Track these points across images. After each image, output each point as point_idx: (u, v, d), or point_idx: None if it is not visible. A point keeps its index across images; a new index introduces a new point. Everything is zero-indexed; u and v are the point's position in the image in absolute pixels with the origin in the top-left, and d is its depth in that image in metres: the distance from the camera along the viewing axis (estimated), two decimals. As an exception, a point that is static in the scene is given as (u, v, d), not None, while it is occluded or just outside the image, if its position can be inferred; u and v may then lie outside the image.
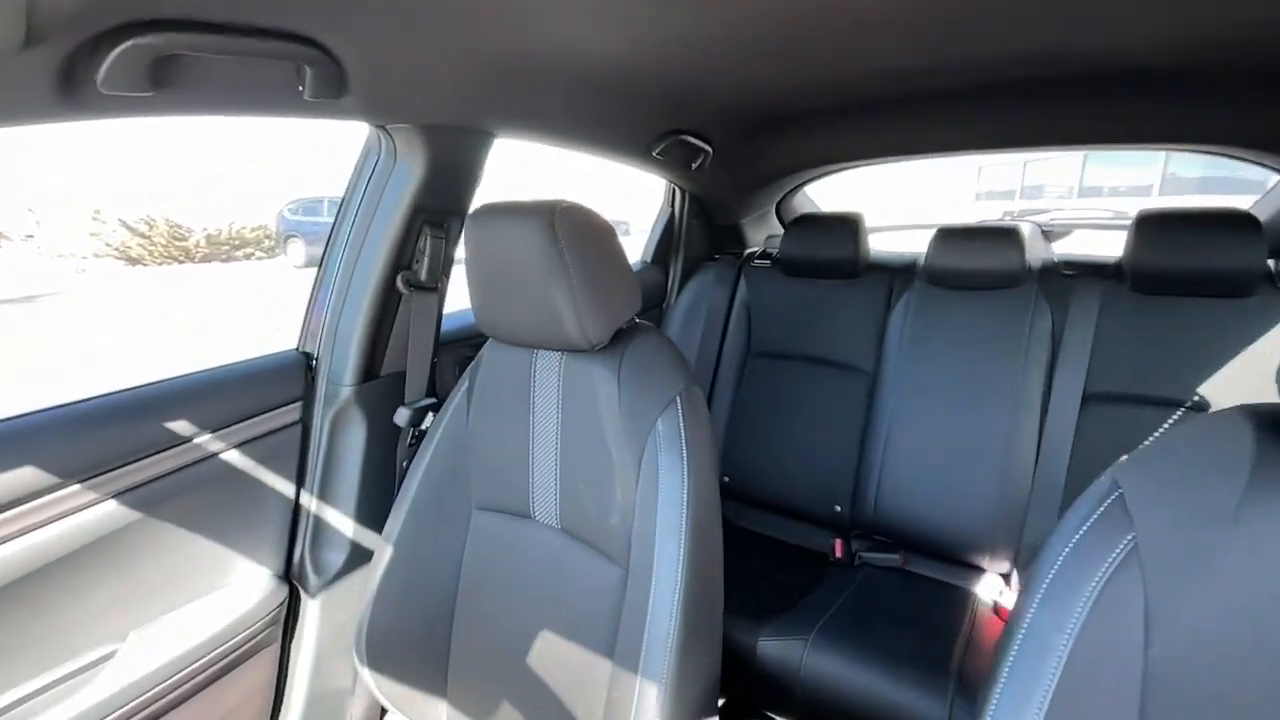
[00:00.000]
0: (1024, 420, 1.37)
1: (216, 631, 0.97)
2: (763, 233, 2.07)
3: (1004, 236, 1.45)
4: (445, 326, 1.23)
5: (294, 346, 1.15)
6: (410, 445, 1.16)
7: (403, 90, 0.91)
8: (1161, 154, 6.20)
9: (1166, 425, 1.24)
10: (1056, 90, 1.24)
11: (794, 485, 1.62)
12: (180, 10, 0.62)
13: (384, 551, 0.95)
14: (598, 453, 0.84)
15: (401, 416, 1.13)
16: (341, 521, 1.12)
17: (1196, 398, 1.23)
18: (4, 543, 0.76)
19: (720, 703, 0.85)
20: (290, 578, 1.11)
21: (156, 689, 0.90)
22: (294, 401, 1.08)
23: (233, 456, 1.00)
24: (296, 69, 0.77)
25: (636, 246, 1.92)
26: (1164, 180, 6.24)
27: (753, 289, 1.79)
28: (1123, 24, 0.93)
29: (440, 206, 1.10)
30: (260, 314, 7.38)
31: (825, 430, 1.60)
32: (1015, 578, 1.36)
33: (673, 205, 1.88)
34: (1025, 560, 1.34)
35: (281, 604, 1.07)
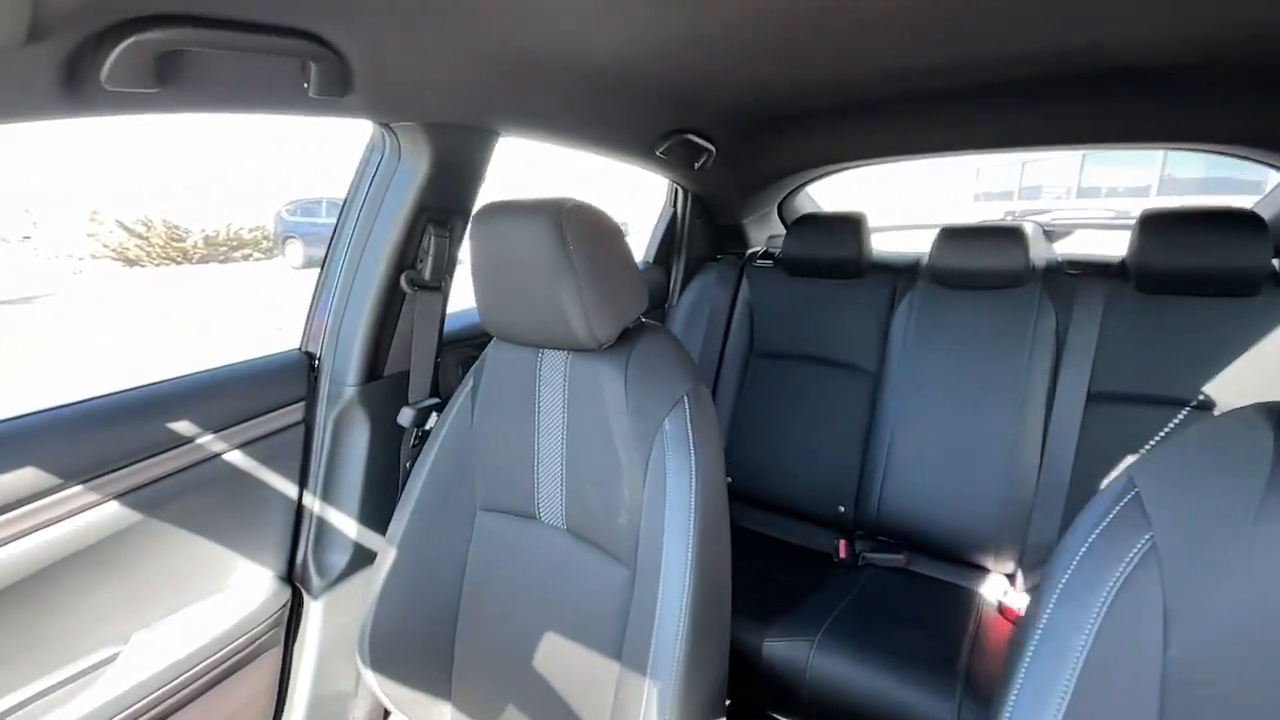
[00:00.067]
0: (1028, 420, 1.37)
1: (219, 634, 0.96)
2: (765, 233, 2.07)
3: (1008, 236, 1.44)
4: (448, 326, 1.23)
5: (296, 346, 1.14)
6: (414, 446, 1.15)
7: (408, 88, 0.91)
8: (1159, 154, 6.22)
9: (1172, 425, 1.24)
10: (1057, 90, 1.24)
11: (797, 486, 1.61)
12: (185, 6, 0.61)
13: (387, 553, 0.94)
14: (604, 453, 0.83)
15: (405, 417, 1.12)
16: (344, 523, 1.11)
17: (1201, 397, 1.22)
18: (6, 544, 0.75)
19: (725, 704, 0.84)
20: (293, 579, 1.10)
21: (158, 692, 0.89)
22: (297, 402, 1.08)
23: (235, 457, 0.99)
24: (301, 66, 0.76)
25: (637, 246, 1.92)
26: (1162, 181, 6.26)
27: (755, 289, 1.79)
28: (1123, 24, 0.93)
29: (444, 205, 1.10)
30: (259, 315, 7.35)
31: (828, 430, 1.60)
32: (1020, 578, 1.36)
33: (675, 205, 1.87)
34: (1030, 560, 1.34)
35: (284, 606, 1.06)
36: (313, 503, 1.10)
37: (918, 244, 1.80)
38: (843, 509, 1.54)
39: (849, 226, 1.62)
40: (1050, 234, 1.92)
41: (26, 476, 0.77)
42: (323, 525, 1.11)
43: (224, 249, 12.38)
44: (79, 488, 0.81)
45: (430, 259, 1.10)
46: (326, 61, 0.76)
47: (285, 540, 1.09)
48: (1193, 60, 1.06)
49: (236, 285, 9.72)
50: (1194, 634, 0.45)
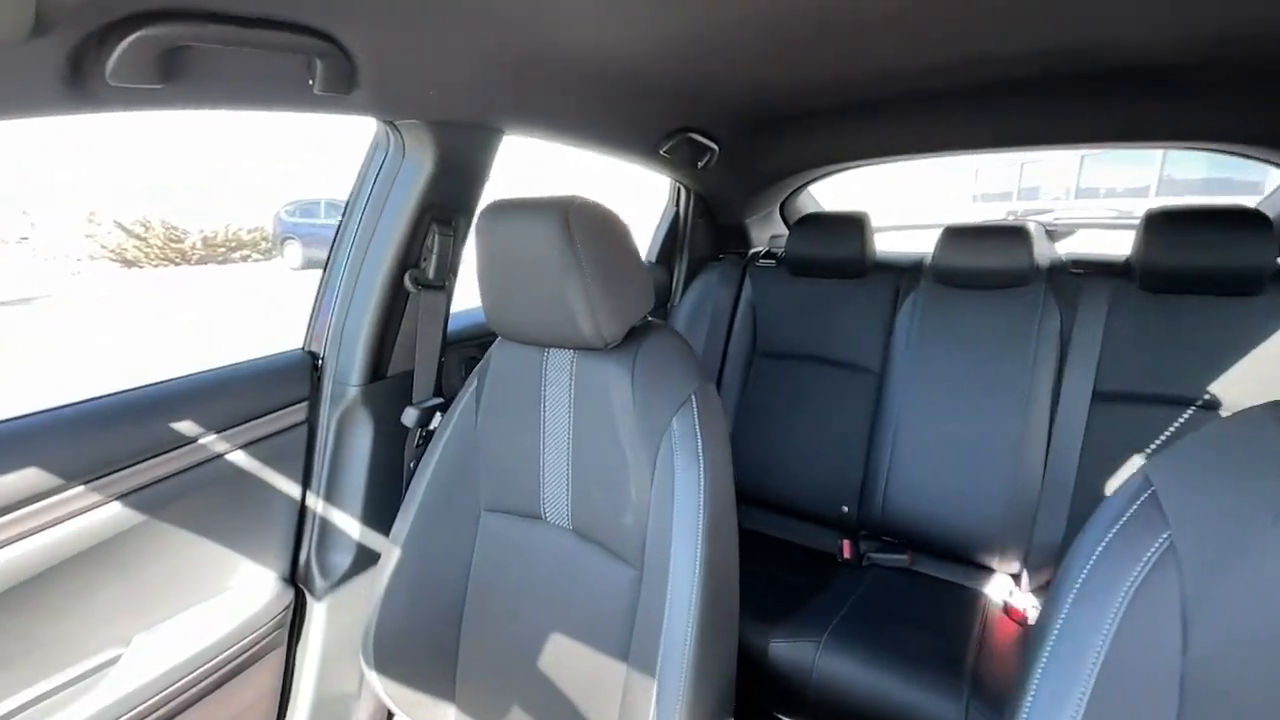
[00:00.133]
0: (1033, 420, 1.36)
1: (222, 636, 0.96)
2: (767, 232, 2.07)
3: (1012, 235, 1.44)
4: (450, 326, 1.22)
5: (299, 346, 1.14)
6: (418, 446, 1.15)
7: (413, 85, 0.90)
8: (1158, 155, 6.24)
9: (1177, 424, 1.24)
10: (1058, 89, 1.24)
11: (801, 486, 1.61)
12: (191, 1, 0.61)
13: (391, 553, 0.94)
14: (611, 452, 0.83)
15: (409, 417, 1.11)
16: (348, 523, 1.11)
17: (1207, 396, 1.22)
18: (8, 545, 0.75)
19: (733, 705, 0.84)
20: (296, 580, 1.10)
21: (161, 694, 0.88)
22: (300, 402, 1.07)
23: (238, 457, 0.98)
24: (307, 62, 0.76)
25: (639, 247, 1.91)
26: (1161, 182, 6.28)
27: (758, 289, 1.78)
28: (1123, 23, 0.93)
29: (449, 204, 1.09)
30: (257, 316, 7.35)
31: (832, 430, 1.59)
32: (1026, 578, 1.35)
33: (678, 204, 1.87)
34: (1036, 560, 1.33)
35: (287, 607, 1.05)
36: (316, 503, 1.10)
37: (917, 244, 1.80)
38: (846, 509, 1.54)
39: (852, 226, 1.61)
40: (1052, 234, 1.92)
41: (29, 477, 0.76)
42: (326, 526, 1.10)
43: (222, 250, 12.37)
44: (81, 488, 0.81)
45: (434, 258, 1.10)
46: (332, 58, 0.75)
47: (288, 541, 1.08)
48: (1193, 59, 1.06)
49: (235, 286, 9.71)
50: (1213, 634, 0.45)
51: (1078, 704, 0.47)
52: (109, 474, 0.83)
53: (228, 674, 0.97)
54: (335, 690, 1.11)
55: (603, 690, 0.83)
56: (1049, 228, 1.89)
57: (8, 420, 0.78)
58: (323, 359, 1.10)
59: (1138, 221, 1.36)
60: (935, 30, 0.96)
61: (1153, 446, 1.25)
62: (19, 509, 0.75)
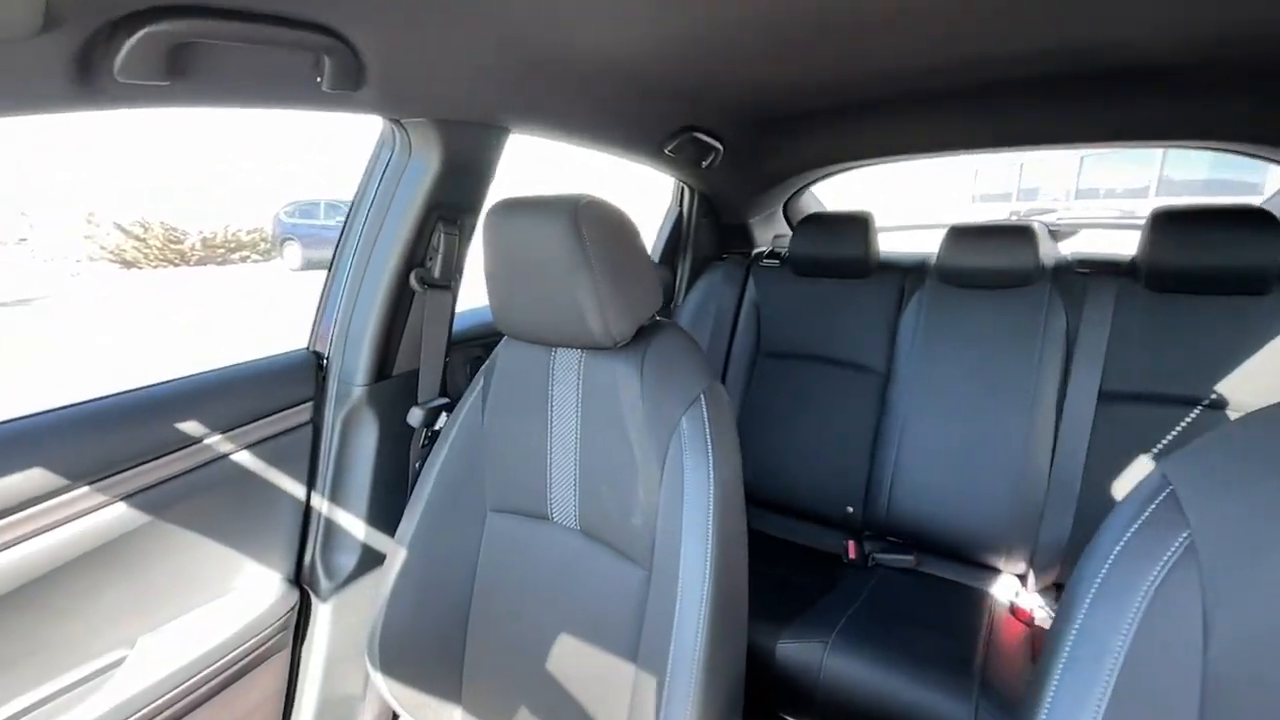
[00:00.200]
0: (1039, 419, 1.36)
1: (227, 637, 0.95)
2: (770, 232, 2.06)
3: (1018, 235, 1.44)
4: (455, 325, 1.22)
5: (304, 346, 1.13)
6: (423, 446, 1.14)
7: (420, 83, 0.90)
8: (1157, 156, 6.25)
9: (1184, 424, 1.23)
10: (1063, 88, 1.24)
11: (805, 486, 1.60)
12: None
13: (397, 554, 0.93)
14: (619, 452, 0.82)
15: (415, 417, 1.11)
16: (353, 524, 1.10)
17: (1214, 396, 1.22)
18: (14, 545, 0.74)
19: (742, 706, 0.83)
20: (301, 582, 1.09)
21: (166, 697, 0.88)
22: (305, 402, 1.07)
23: (243, 458, 0.98)
24: (315, 59, 0.75)
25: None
26: (1160, 182, 6.29)
27: (761, 288, 1.78)
28: (1127, 23, 0.94)
29: (454, 203, 1.09)
30: (257, 317, 7.35)
31: (836, 430, 1.59)
32: (1032, 578, 1.35)
33: (681, 204, 1.87)
34: (1042, 561, 1.33)
35: (292, 609, 1.05)
36: (321, 504, 1.09)
37: (916, 244, 1.80)
38: (851, 509, 1.54)
39: (856, 226, 1.61)
40: (1055, 234, 1.92)
41: (34, 477, 0.75)
42: (331, 527, 1.10)
43: (222, 251, 12.36)
44: (86, 488, 0.80)
45: (440, 257, 1.09)
46: (340, 55, 0.75)
47: (293, 542, 1.08)
48: (1194, 59, 1.06)
49: (234, 287, 9.70)
50: (1234, 634, 0.44)
51: (1098, 704, 0.47)
52: (114, 474, 0.83)
53: (233, 676, 0.97)
54: (340, 692, 1.10)
55: (610, 691, 0.82)
56: (1052, 228, 1.90)
57: (12, 420, 0.78)
58: (328, 359, 1.10)
59: (1141, 221, 1.36)
60: (938, 30, 0.96)
61: (1159, 446, 1.24)
62: (25, 509, 0.75)
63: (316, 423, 1.08)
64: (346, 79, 0.78)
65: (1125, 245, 1.53)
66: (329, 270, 1.13)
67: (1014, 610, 1.30)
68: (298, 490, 1.07)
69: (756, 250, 1.98)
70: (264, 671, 1.02)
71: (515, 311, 0.86)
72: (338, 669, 1.10)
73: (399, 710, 0.95)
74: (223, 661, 0.94)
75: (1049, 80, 1.20)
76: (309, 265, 10.54)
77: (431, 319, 1.13)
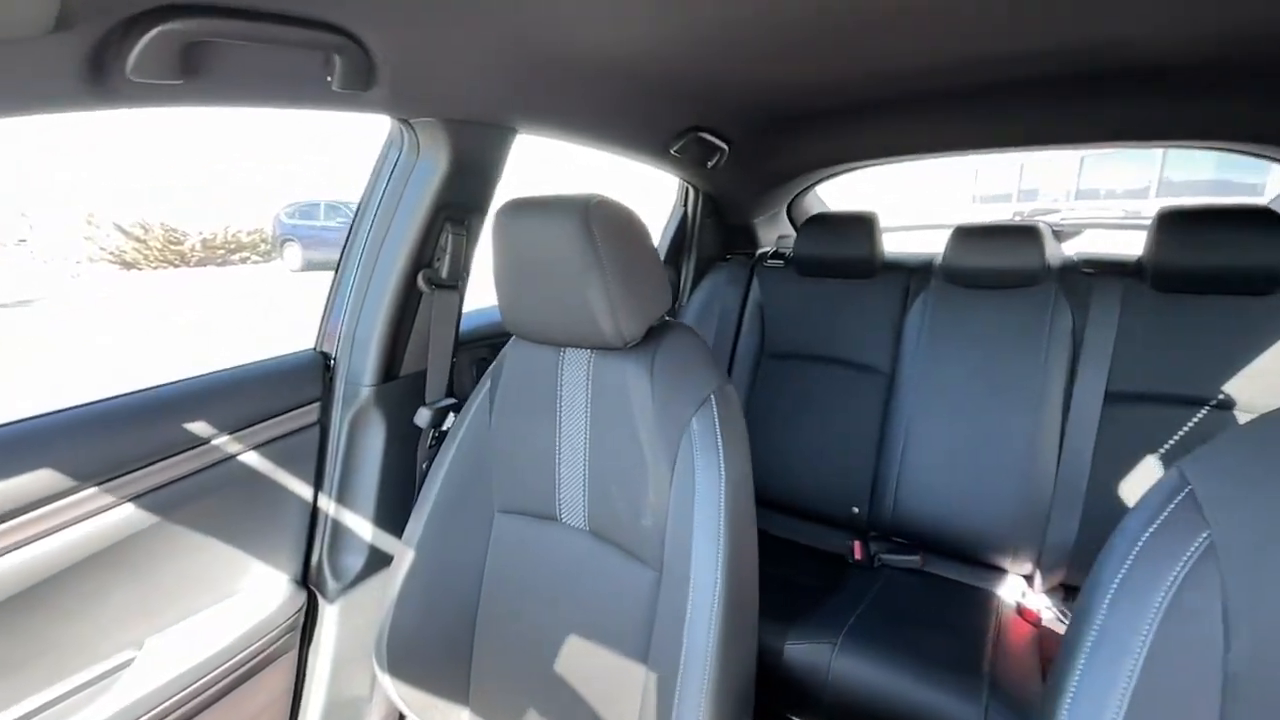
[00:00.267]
0: (1045, 420, 1.36)
1: (234, 639, 0.95)
2: (774, 233, 2.06)
3: (1023, 235, 1.44)
4: (461, 326, 1.21)
5: (311, 346, 1.13)
6: (430, 447, 1.14)
7: (430, 83, 0.90)
8: (1157, 157, 6.26)
9: (1191, 424, 1.23)
10: (1068, 89, 1.23)
11: (810, 487, 1.60)
12: None
13: (405, 555, 0.93)
14: (629, 453, 0.82)
15: (422, 417, 1.11)
16: (360, 525, 1.10)
17: (1221, 396, 1.22)
18: (24, 546, 0.74)
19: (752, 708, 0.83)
20: (308, 583, 1.09)
21: (174, 699, 0.87)
22: (312, 403, 1.06)
23: (250, 458, 0.98)
24: (326, 59, 0.75)
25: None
26: (1160, 183, 6.30)
27: (765, 289, 1.78)
28: (1133, 23, 0.93)
29: (462, 203, 1.08)
30: (256, 317, 7.35)
31: (841, 431, 1.59)
32: (1039, 579, 1.35)
33: (686, 204, 1.87)
34: (1049, 561, 1.33)
35: (300, 610, 1.05)
36: (328, 505, 1.09)
37: (916, 245, 1.80)
38: (856, 510, 1.53)
39: (861, 226, 1.61)
40: (1059, 234, 1.92)
41: (42, 478, 0.75)
42: (338, 528, 1.10)
43: (222, 252, 12.36)
44: (94, 489, 0.80)
45: (448, 257, 1.09)
46: (351, 55, 0.75)
47: (300, 543, 1.07)
48: (1197, 58, 1.06)
49: (234, 288, 9.70)
50: (1256, 633, 0.44)
51: (1117, 706, 0.46)
52: (121, 475, 0.83)
53: (240, 677, 0.96)
54: (347, 693, 1.10)
55: (620, 692, 0.82)
56: (1055, 228, 1.90)
57: (20, 421, 0.78)
58: (335, 359, 1.10)
59: (1144, 222, 1.36)
60: (944, 30, 0.97)
61: (1166, 446, 1.24)
62: (34, 509, 0.75)
63: (324, 423, 1.08)
64: (357, 79, 0.78)
65: (1126, 246, 1.53)
66: (336, 271, 1.13)
67: (1021, 611, 1.30)
68: (305, 491, 1.06)
69: (761, 250, 1.98)
70: (271, 673, 1.02)
71: (524, 312, 0.86)
72: (345, 670, 1.09)
73: (406, 711, 0.94)
74: (230, 663, 0.94)
75: (1053, 81, 1.20)
76: (309, 266, 10.54)
77: (439, 319, 1.13)
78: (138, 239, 11.62)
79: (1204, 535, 0.47)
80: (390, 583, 0.93)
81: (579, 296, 0.77)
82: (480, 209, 1.13)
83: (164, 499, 0.88)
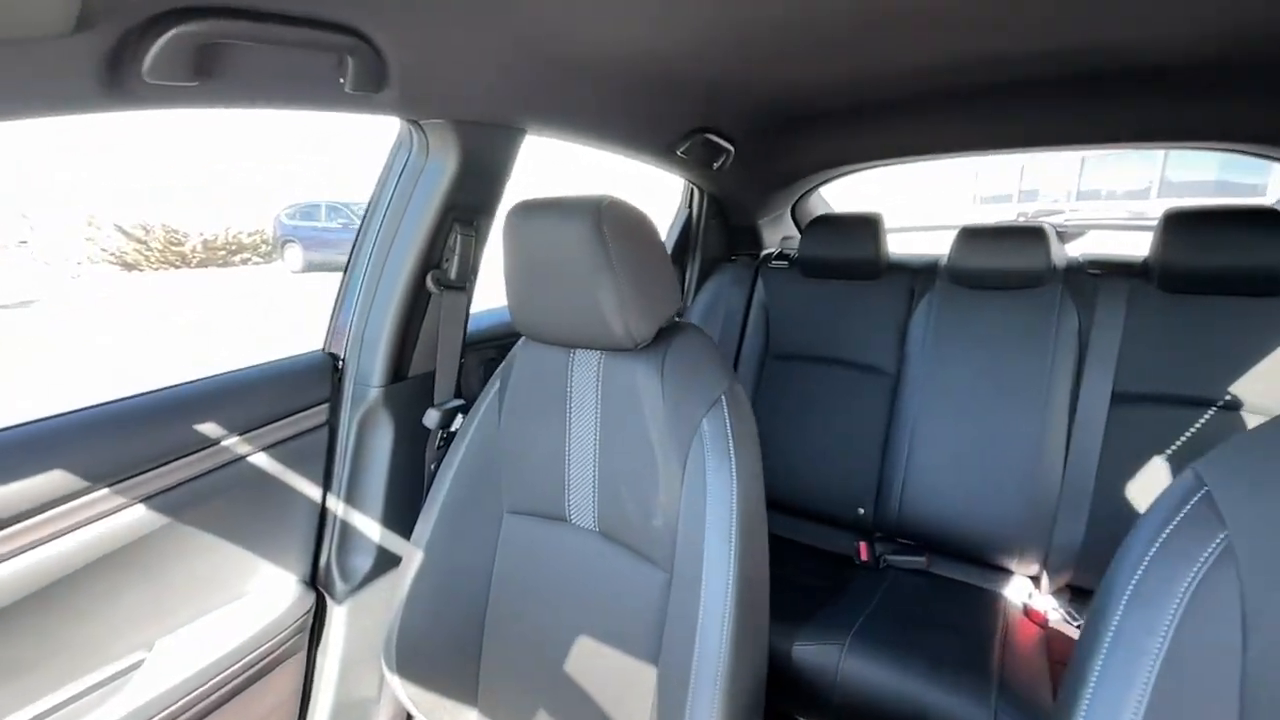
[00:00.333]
0: (1051, 421, 1.36)
1: (243, 640, 0.95)
2: (778, 234, 2.07)
3: (1029, 236, 1.44)
4: (469, 327, 1.21)
5: (320, 348, 1.13)
6: (439, 448, 1.14)
7: (441, 85, 0.90)
8: (1159, 157, 6.27)
9: (1198, 425, 1.23)
10: (1078, 89, 1.24)
11: (815, 488, 1.60)
12: None
13: (413, 556, 0.93)
14: (639, 453, 0.82)
15: (431, 418, 1.11)
16: (369, 526, 1.10)
17: (1228, 396, 1.22)
18: (34, 548, 0.74)
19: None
20: (316, 584, 1.09)
21: (183, 700, 0.87)
22: (320, 404, 1.06)
23: (259, 460, 0.98)
24: (338, 60, 0.75)
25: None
26: (1162, 184, 6.30)
27: (770, 290, 1.78)
28: (1141, 24, 0.94)
29: (471, 204, 1.09)
30: (257, 318, 7.36)
31: (846, 432, 1.59)
32: (1045, 580, 1.35)
33: (690, 206, 1.87)
34: (1055, 562, 1.33)
35: (308, 611, 1.05)
36: (337, 506, 1.09)
37: (919, 246, 1.81)
38: (862, 511, 1.53)
39: (866, 227, 1.61)
40: (1063, 235, 1.92)
41: (54, 479, 0.75)
42: (346, 529, 1.10)
43: (223, 253, 12.36)
44: (106, 490, 0.80)
45: (456, 258, 1.09)
46: (363, 56, 0.75)
47: (309, 544, 1.07)
48: (1203, 59, 1.06)
49: (235, 289, 9.70)
50: (1275, 635, 0.44)
51: (1135, 708, 0.46)
52: (132, 477, 0.83)
53: (249, 678, 0.96)
54: (356, 694, 1.10)
55: (629, 694, 0.82)
56: (1059, 229, 1.90)
57: (33, 422, 0.78)
58: (343, 361, 1.10)
59: (1148, 223, 1.36)
60: (949, 31, 0.97)
61: (1174, 447, 1.24)
62: (48, 510, 0.75)
63: (332, 424, 1.08)
64: (369, 80, 0.78)
65: (1129, 246, 1.53)
66: (345, 272, 1.13)
67: (1028, 612, 1.30)
68: (313, 492, 1.07)
69: (765, 251, 1.98)
70: (280, 674, 1.02)
71: (535, 312, 0.86)
72: (353, 671, 1.09)
73: (414, 712, 0.94)
74: (240, 664, 0.94)
75: (1056, 82, 1.20)
76: (310, 267, 10.54)
77: (447, 320, 1.13)
78: (139, 240, 11.62)
79: (1221, 536, 0.47)
80: (399, 584, 0.93)
81: (590, 297, 0.77)
82: (488, 210, 1.13)
83: (174, 500, 0.88)
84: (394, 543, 1.11)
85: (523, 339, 0.94)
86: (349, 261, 1.12)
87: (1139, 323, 1.32)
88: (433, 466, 1.14)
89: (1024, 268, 1.43)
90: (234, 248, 12.51)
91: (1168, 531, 0.49)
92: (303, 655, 1.06)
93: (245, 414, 0.96)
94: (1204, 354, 1.25)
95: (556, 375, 0.89)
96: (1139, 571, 0.49)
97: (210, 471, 0.92)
